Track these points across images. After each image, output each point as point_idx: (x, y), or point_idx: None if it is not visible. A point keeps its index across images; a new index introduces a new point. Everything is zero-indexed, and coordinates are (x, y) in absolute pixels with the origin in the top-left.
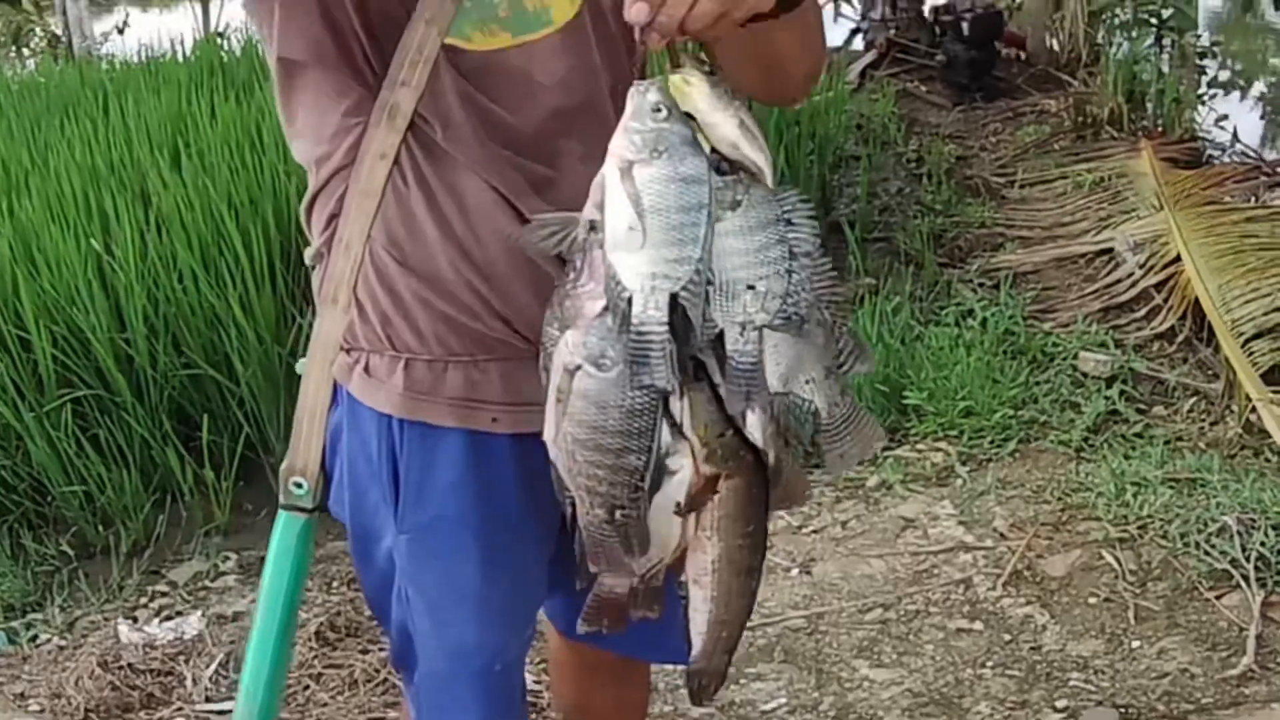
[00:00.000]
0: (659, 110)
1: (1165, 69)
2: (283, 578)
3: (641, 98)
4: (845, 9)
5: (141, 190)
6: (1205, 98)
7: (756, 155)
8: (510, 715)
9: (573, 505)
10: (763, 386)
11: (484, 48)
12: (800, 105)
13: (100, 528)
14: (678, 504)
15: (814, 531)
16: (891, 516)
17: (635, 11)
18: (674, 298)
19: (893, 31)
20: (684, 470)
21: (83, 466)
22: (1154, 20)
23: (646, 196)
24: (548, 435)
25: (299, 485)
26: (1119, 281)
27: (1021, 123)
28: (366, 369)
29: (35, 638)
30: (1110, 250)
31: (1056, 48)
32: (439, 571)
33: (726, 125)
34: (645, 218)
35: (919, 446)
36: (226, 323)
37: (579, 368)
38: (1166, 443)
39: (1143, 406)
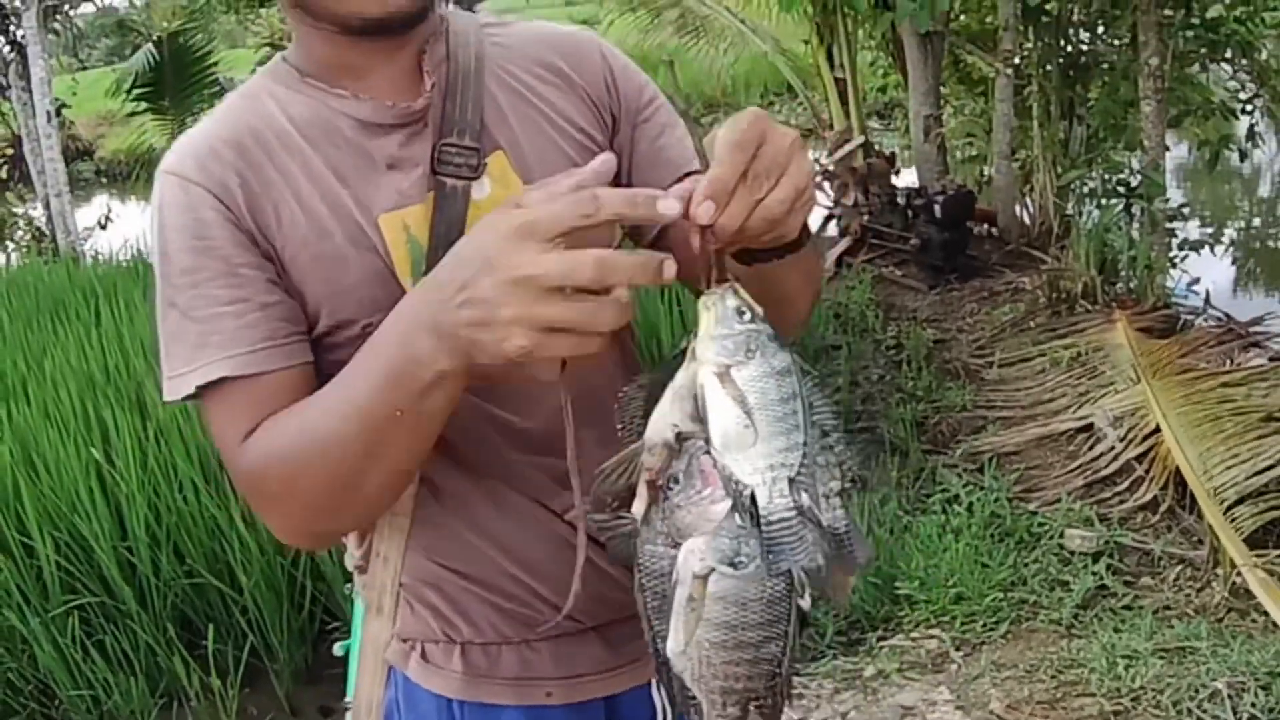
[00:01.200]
0: (742, 313)
1: (1136, 236)
2: None
3: (722, 304)
4: (819, 195)
5: (138, 398)
6: (1176, 260)
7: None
8: None
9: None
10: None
11: None
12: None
13: None
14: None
15: None
16: (890, 705)
17: (702, 211)
18: (790, 482)
19: (866, 217)
20: None
21: (89, 671)
22: (1122, 189)
23: (751, 395)
24: (674, 647)
25: None
26: (1100, 456)
27: (997, 302)
28: (423, 655)
29: None
30: (1090, 426)
31: (1027, 220)
32: None
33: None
34: (753, 415)
35: (913, 635)
36: (228, 533)
37: (713, 571)
38: (1155, 613)
39: (1130, 579)
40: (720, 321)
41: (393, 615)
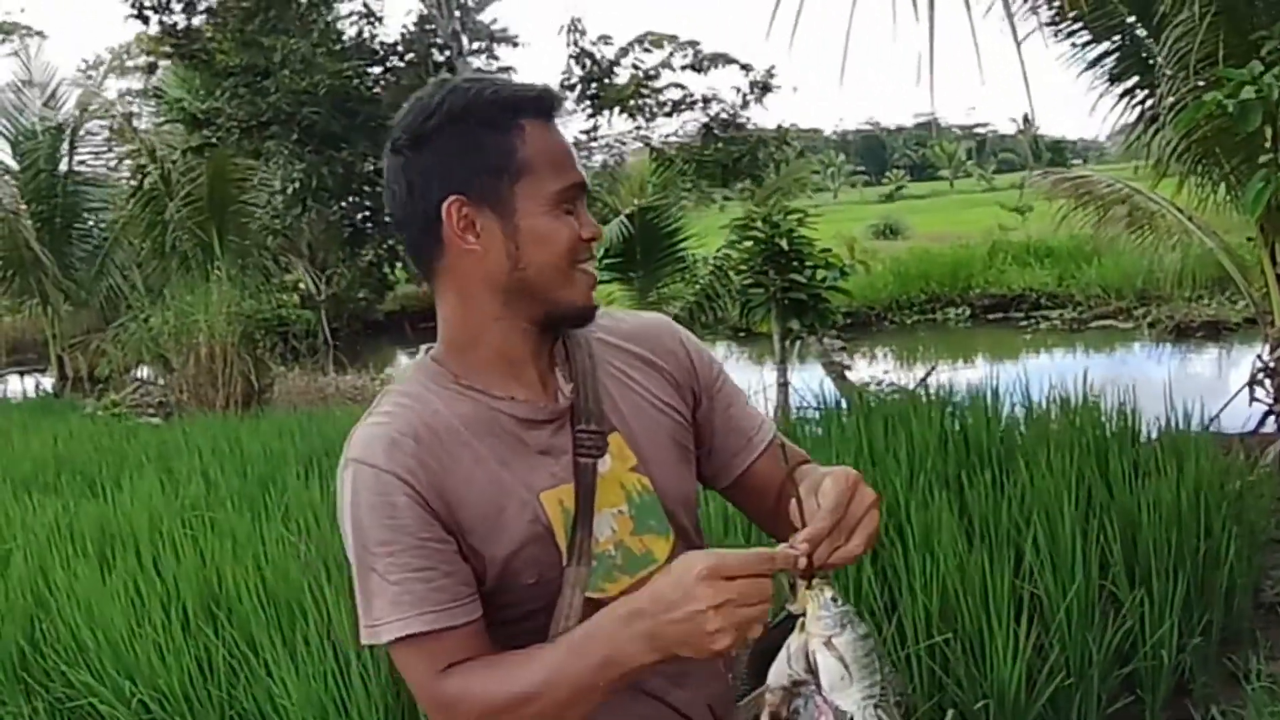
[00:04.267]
0: (836, 600)
1: None
2: None
3: (822, 595)
4: (1259, 392)
5: None
6: None
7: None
8: None
9: None
10: None
11: (614, 592)
12: None
13: None
14: None
15: None
16: None
17: (801, 553)
18: (876, 706)
19: None
20: None
21: None
22: None
23: (847, 655)
24: None
25: None
26: None
27: None
28: None
29: None
30: None
31: None
32: None
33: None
34: (850, 667)
35: None
36: None
37: None
38: None
39: None
40: (823, 607)
41: None
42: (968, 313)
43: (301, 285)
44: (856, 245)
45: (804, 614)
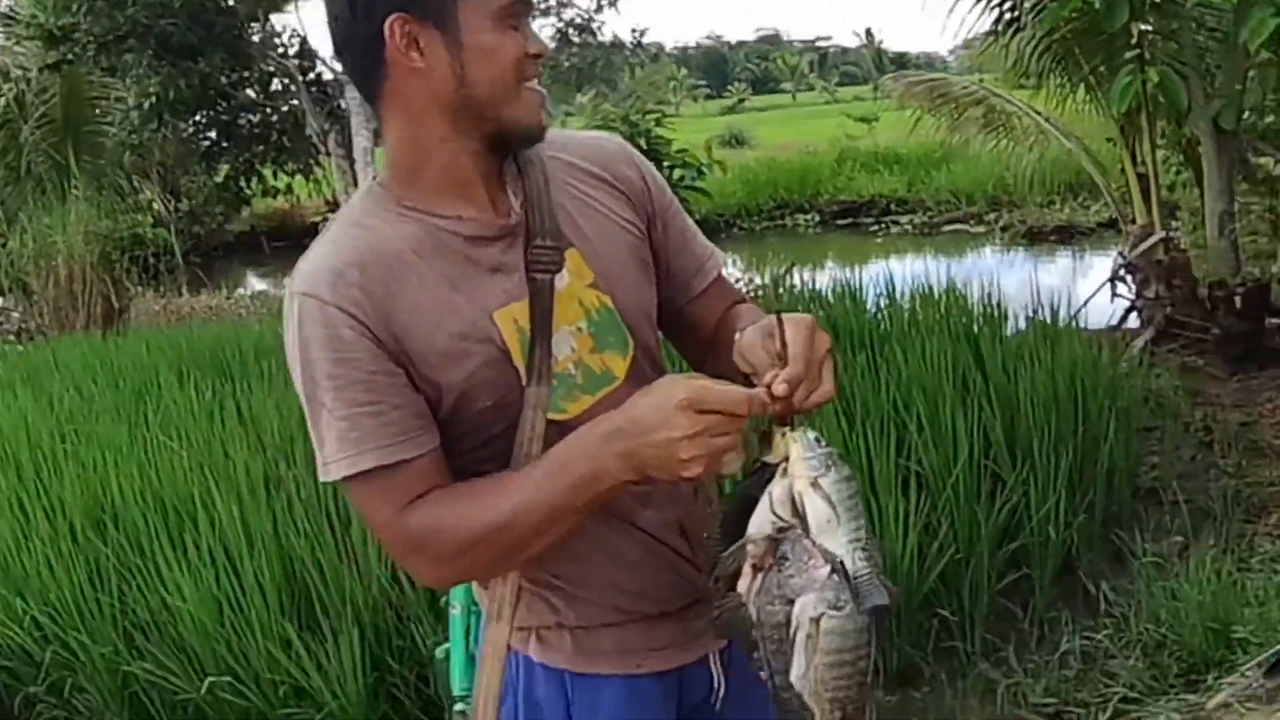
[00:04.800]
0: (819, 442)
1: None
2: None
3: (805, 438)
4: (1121, 288)
5: None
6: None
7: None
8: None
9: None
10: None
11: (576, 413)
12: None
13: None
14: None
15: None
16: None
17: (782, 394)
18: (863, 549)
19: (1169, 309)
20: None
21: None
22: None
23: (834, 495)
24: (796, 673)
25: None
26: None
27: None
28: (539, 638)
29: None
30: None
31: None
32: None
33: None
34: (837, 509)
35: (1246, 673)
36: None
37: (823, 615)
38: None
39: None
40: (808, 448)
41: (510, 621)
42: (817, 219)
43: (155, 205)
44: (712, 146)
45: (782, 462)
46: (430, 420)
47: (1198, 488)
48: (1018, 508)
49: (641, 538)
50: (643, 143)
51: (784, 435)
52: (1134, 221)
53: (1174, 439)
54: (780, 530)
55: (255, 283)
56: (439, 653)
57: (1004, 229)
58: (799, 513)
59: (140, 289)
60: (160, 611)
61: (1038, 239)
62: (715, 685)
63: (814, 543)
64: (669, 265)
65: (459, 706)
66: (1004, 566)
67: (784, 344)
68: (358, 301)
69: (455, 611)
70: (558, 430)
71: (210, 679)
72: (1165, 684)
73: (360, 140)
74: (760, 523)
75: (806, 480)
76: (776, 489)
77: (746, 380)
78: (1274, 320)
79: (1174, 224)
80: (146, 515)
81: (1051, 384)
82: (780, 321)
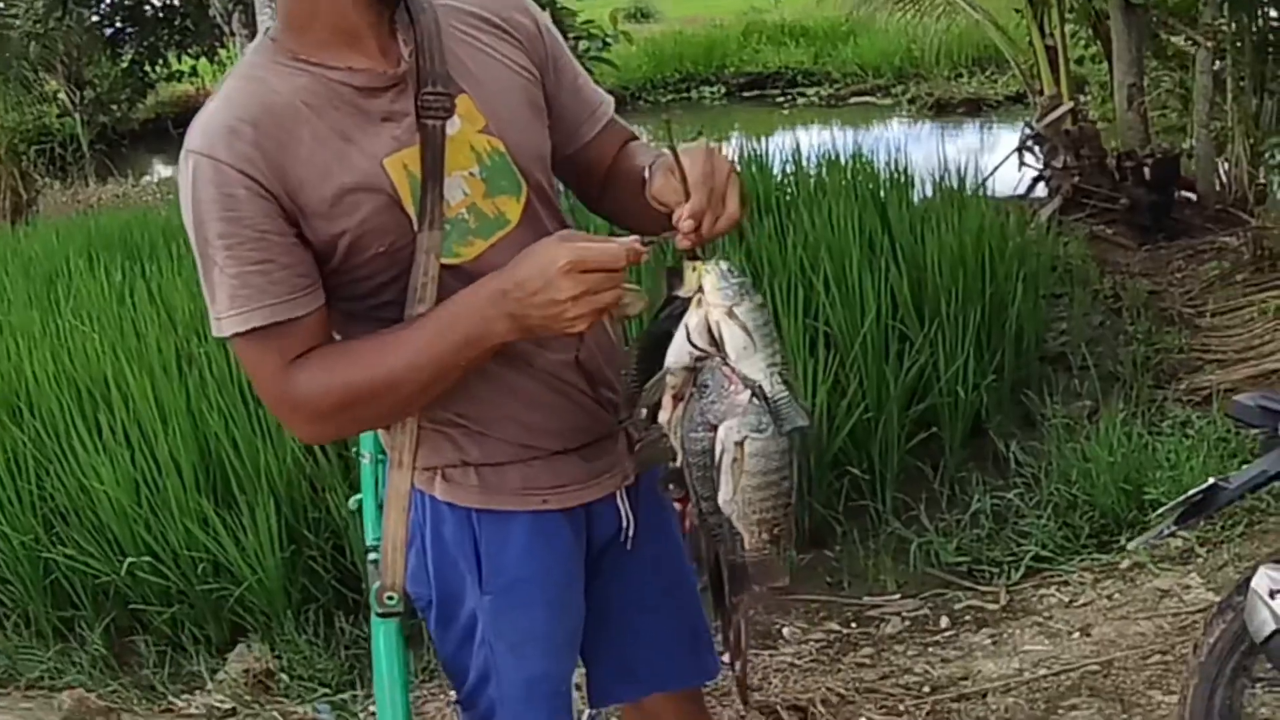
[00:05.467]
0: (731, 272)
1: None
2: (394, 667)
3: (718, 269)
4: (1028, 158)
5: None
6: None
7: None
8: None
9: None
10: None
11: (470, 257)
12: None
13: None
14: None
15: (1084, 604)
16: (1149, 590)
17: (688, 229)
18: (780, 374)
19: (1076, 179)
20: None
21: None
22: None
23: (749, 323)
24: (723, 497)
25: (391, 598)
26: None
27: (1202, 259)
28: (445, 477)
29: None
30: None
31: (1218, 188)
32: (518, 620)
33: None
34: (753, 335)
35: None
36: None
37: (746, 438)
38: None
39: None
40: (722, 278)
41: (412, 466)
42: (723, 91)
43: (61, 95)
44: (617, 19)
45: (696, 294)
46: (318, 280)
47: (1106, 353)
48: (926, 368)
49: (542, 376)
50: (548, 13)
51: (695, 269)
52: (1042, 93)
53: (1082, 305)
54: (699, 360)
55: (162, 170)
56: (351, 503)
57: (911, 101)
58: (715, 341)
59: (48, 180)
60: (79, 496)
61: (945, 111)
62: (624, 523)
63: (733, 369)
64: (562, 111)
65: (371, 556)
66: (914, 426)
67: (683, 178)
68: (251, 159)
69: (365, 461)
70: (453, 275)
71: (130, 560)
72: (1078, 544)
73: (264, 19)
74: (678, 354)
75: (722, 309)
76: (693, 320)
77: (667, 220)
78: (1183, 193)
79: (1082, 98)
80: (61, 400)
81: (959, 247)
82: (676, 155)
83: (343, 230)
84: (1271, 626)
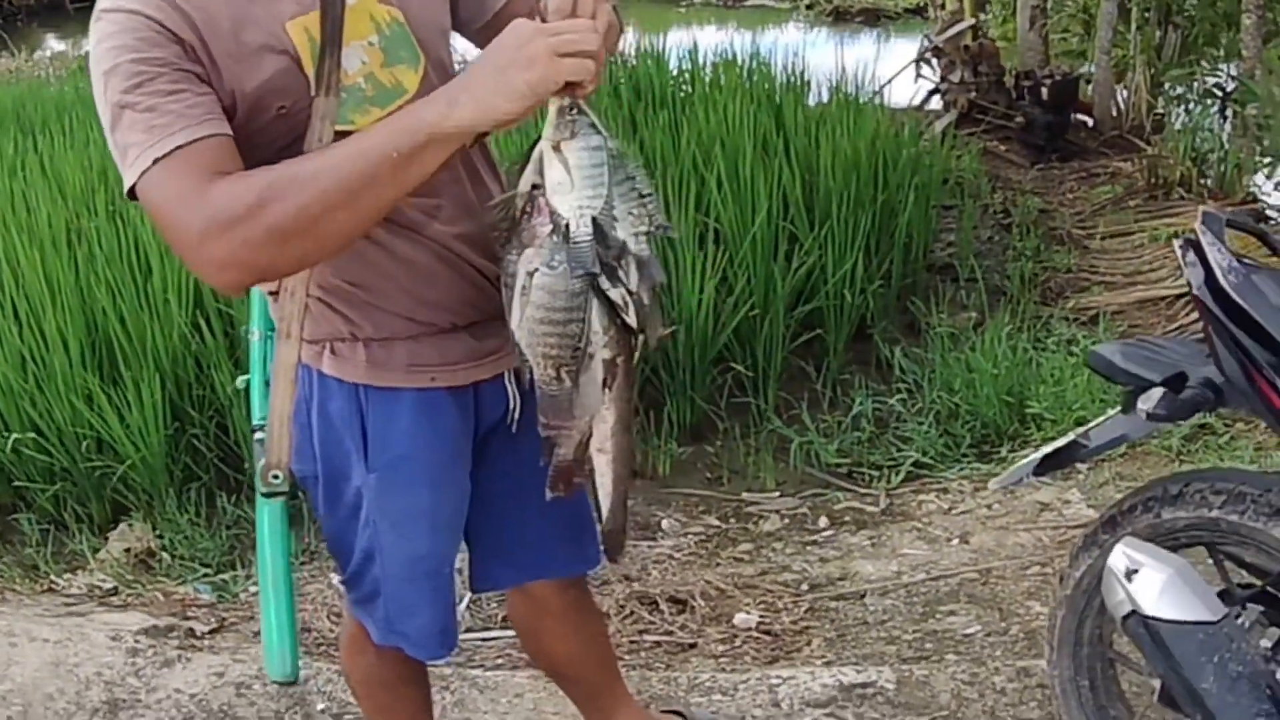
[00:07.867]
0: (573, 109)
1: (1225, 139)
2: (278, 548)
3: (560, 102)
4: (925, 70)
5: None
6: (1261, 164)
7: (556, 166)
8: (451, 603)
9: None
10: (652, 271)
11: (364, 124)
12: None
13: None
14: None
15: (963, 513)
16: (1029, 502)
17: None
18: (594, 220)
19: (973, 94)
20: (599, 356)
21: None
22: (1218, 92)
23: (571, 159)
24: (513, 322)
25: (276, 477)
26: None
27: (1095, 182)
28: (333, 351)
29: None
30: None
31: (1115, 115)
32: (402, 497)
33: (544, 144)
34: (571, 172)
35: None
36: None
37: (536, 270)
38: (1256, 448)
39: (1229, 422)
40: (557, 114)
41: (299, 338)
42: None
43: None
44: None
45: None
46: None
47: (994, 267)
48: (814, 270)
49: (433, 248)
50: None
51: (552, 101)
52: (944, 8)
53: (972, 219)
54: (534, 188)
55: (55, 44)
56: (239, 382)
57: (809, 7)
58: (541, 172)
59: None
60: None
61: (842, 20)
62: (511, 404)
63: (547, 202)
64: None
65: (258, 435)
66: (799, 327)
67: None
68: (161, 8)
69: (254, 338)
70: None
71: (14, 436)
72: (958, 453)
73: None
74: (526, 178)
75: (549, 142)
76: (536, 151)
77: None
78: (1080, 116)
79: (984, 15)
80: None
81: (853, 153)
82: None
83: (246, 89)
84: (1128, 608)
